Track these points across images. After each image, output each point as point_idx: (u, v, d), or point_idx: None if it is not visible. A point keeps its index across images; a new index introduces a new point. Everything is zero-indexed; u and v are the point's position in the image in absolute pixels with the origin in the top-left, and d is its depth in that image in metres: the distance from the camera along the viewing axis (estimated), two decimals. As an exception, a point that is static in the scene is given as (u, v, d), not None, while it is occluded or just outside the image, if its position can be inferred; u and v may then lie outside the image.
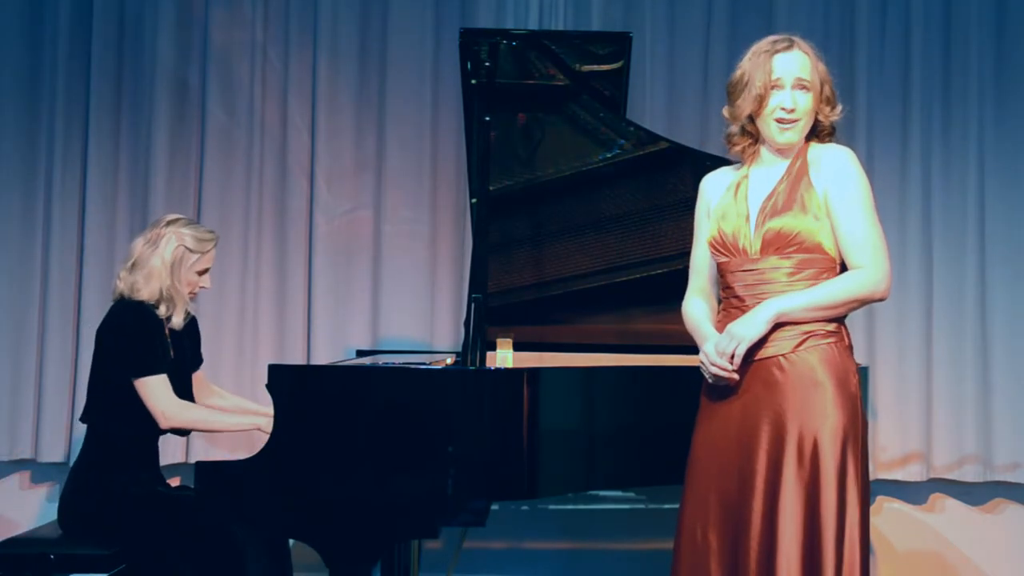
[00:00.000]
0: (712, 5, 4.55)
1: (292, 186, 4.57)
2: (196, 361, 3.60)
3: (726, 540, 2.60)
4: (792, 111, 2.63)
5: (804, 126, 2.67)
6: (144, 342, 3.31)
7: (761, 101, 2.64)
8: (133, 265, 3.40)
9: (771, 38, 2.70)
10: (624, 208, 3.77)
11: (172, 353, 3.39)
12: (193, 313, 3.54)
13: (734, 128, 2.73)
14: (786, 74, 2.63)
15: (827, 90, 2.68)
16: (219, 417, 3.41)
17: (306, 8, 4.58)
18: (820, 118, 2.69)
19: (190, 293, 3.45)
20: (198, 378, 3.59)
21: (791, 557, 2.51)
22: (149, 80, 4.53)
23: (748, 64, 2.67)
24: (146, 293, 3.36)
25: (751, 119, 2.70)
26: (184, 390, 3.43)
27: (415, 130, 4.57)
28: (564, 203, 3.81)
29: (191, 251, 3.40)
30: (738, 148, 2.75)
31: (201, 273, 3.46)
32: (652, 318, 3.80)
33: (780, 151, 2.70)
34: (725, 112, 2.74)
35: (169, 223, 3.44)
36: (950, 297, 4.47)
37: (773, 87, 2.64)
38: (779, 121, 2.64)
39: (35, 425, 4.48)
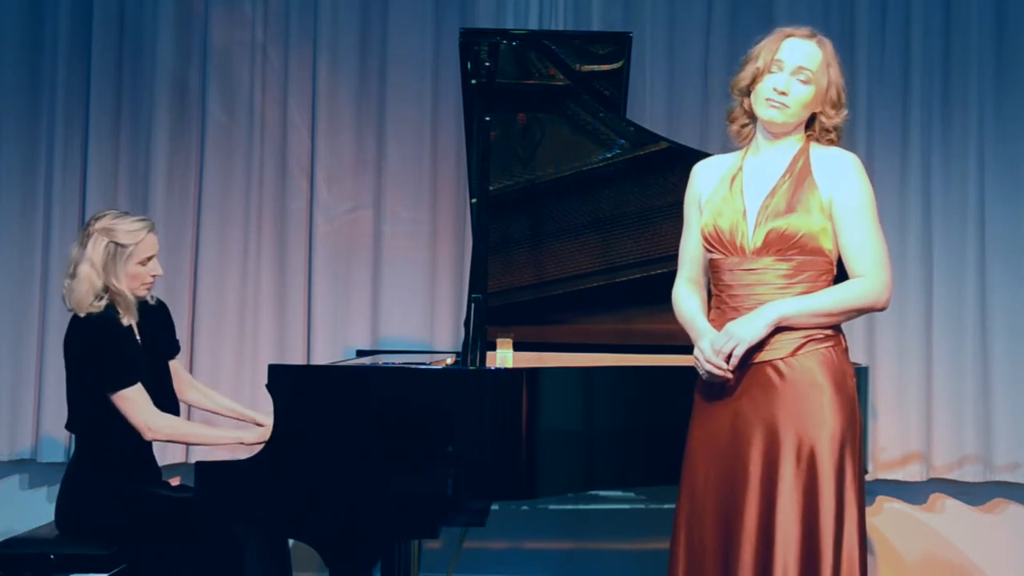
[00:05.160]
0: (712, 5, 4.55)
1: (292, 186, 4.57)
2: (172, 349, 3.54)
3: (721, 542, 2.59)
4: (784, 94, 2.60)
5: (793, 115, 2.63)
6: (113, 356, 3.22)
7: (756, 76, 2.63)
8: (71, 273, 3.29)
9: (799, 27, 2.68)
10: (624, 208, 3.77)
11: (143, 354, 3.32)
12: (151, 302, 3.43)
13: (736, 104, 2.71)
14: (789, 58, 2.62)
15: (833, 93, 2.66)
16: (203, 431, 3.39)
17: (306, 8, 4.58)
18: (823, 119, 2.67)
19: (142, 285, 3.32)
20: (175, 368, 3.52)
21: (788, 560, 2.50)
22: (149, 80, 4.52)
23: (763, 40, 2.67)
24: (83, 299, 3.23)
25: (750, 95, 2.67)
26: (161, 381, 3.37)
27: (415, 130, 4.57)
28: (564, 203, 3.81)
29: (122, 245, 3.27)
30: (736, 126, 2.72)
31: (144, 263, 3.31)
32: (652, 318, 3.79)
33: (773, 137, 2.67)
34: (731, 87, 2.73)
35: (96, 219, 3.32)
36: (950, 297, 4.46)
37: (773, 67, 2.62)
38: (768, 100, 2.61)
39: (35, 425, 4.48)
